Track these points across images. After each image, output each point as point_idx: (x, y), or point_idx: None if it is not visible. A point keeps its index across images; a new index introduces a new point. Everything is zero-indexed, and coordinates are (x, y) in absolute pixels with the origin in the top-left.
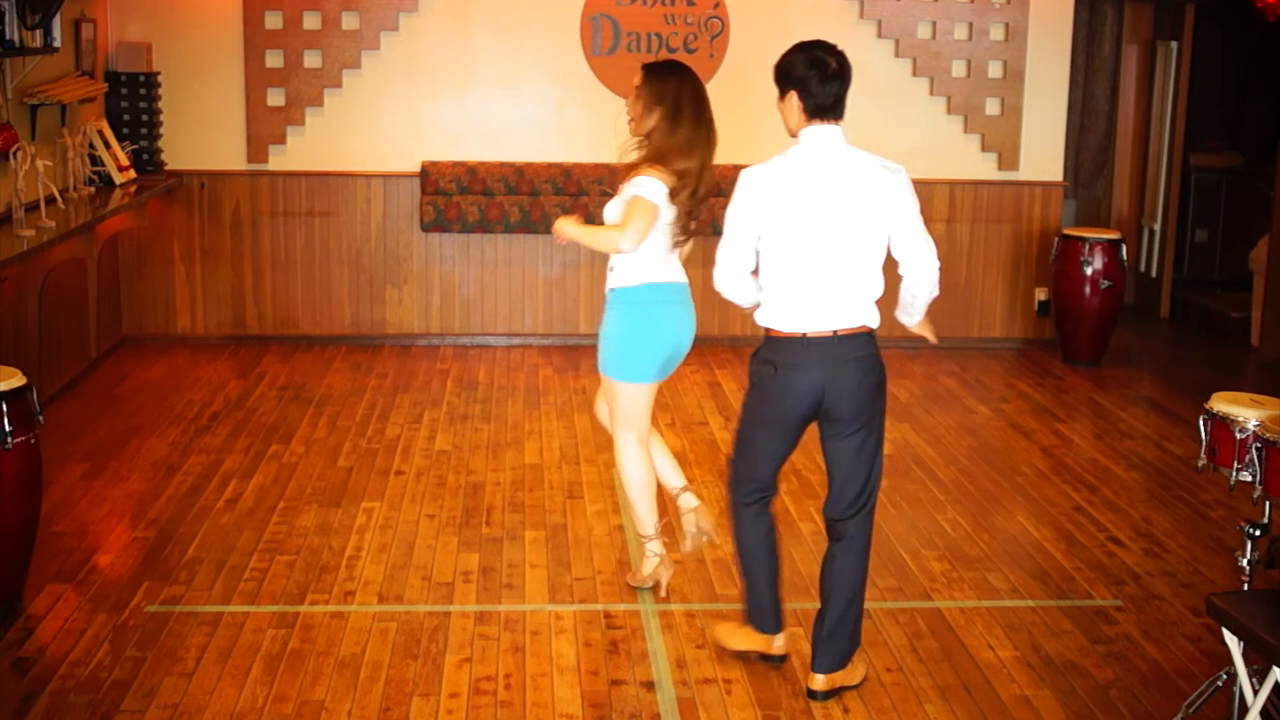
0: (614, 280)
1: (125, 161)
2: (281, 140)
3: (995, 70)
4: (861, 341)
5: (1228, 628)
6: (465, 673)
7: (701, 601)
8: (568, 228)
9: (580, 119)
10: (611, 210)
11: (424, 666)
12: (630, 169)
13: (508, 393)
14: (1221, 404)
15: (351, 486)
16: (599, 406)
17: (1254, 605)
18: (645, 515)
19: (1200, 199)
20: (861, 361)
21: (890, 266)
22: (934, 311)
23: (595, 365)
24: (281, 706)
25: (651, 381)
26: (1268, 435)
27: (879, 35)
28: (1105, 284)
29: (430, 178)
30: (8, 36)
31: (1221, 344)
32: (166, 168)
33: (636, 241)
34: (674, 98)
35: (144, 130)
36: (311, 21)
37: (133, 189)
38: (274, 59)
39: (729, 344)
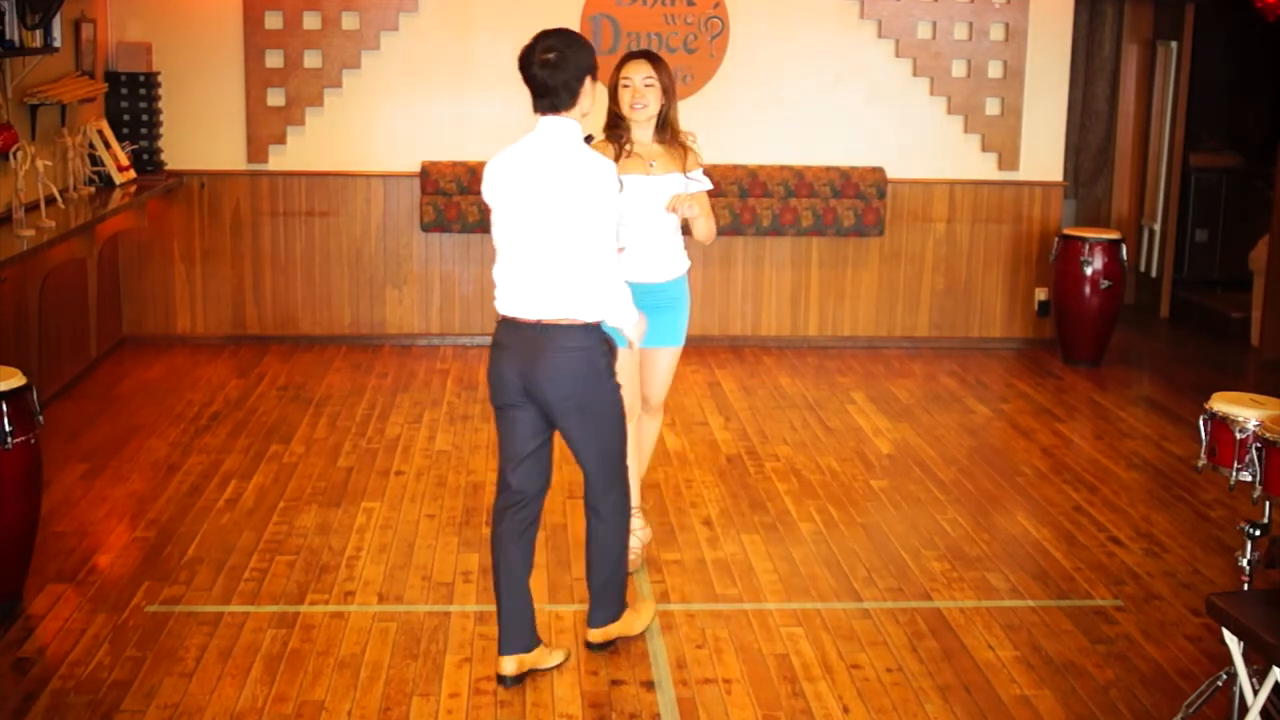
0: (678, 269)
1: (125, 161)
2: (281, 140)
3: (995, 70)
4: (568, 333)
5: (1228, 628)
6: (465, 673)
7: (702, 601)
8: (693, 208)
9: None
10: (659, 189)
11: (424, 666)
12: (684, 150)
13: None
14: (1221, 404)
15: (351, 486)
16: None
17: (1254, 605)
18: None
19: (1200, 199)
20: (565, 353)
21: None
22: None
23: None
24: (281, 706)
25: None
26: (1268, 435)
27: (879, 35)
28: (1105, 284)
29: (430, 178)
30: (8, 36)
31: (1221, 344)
32: (166, 168)
33: None
34: (671, 77)
35: (144, 130)
36: (311, 21)
37: (133, 189)
38: (274, 59)
39: (729, 344)
